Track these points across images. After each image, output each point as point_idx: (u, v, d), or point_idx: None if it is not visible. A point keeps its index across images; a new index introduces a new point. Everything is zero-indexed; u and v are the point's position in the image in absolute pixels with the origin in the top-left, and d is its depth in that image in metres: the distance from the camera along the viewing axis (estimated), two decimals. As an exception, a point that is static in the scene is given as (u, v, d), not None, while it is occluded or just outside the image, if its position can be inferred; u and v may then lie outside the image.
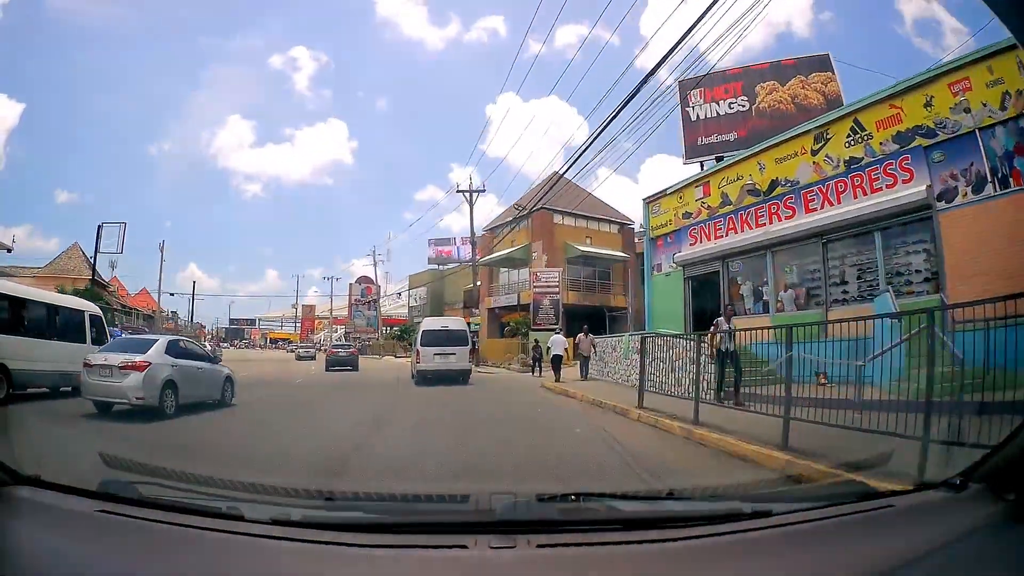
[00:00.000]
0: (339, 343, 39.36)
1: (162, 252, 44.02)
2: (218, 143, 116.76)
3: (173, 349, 9.97)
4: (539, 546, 1.37)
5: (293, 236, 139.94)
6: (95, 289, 31.60)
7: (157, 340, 10.25)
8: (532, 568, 1.35)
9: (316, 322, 73.66)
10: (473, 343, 23.05)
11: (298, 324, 73.31)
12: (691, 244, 17.41)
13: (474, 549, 1.35)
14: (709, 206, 16.88)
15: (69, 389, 11.78)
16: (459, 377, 16.88)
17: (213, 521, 1.49)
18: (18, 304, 11.88)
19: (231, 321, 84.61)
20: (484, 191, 29.85)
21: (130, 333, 22.11)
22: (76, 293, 25.23)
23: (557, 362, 17.28)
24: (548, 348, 18.42)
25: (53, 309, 12.94)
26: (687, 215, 17.76)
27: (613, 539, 1.44)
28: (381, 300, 57.13)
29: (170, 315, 66.80)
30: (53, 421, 8.72)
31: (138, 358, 9.02)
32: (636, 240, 35.50)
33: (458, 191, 30.53)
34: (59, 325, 12.76)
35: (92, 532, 1.45)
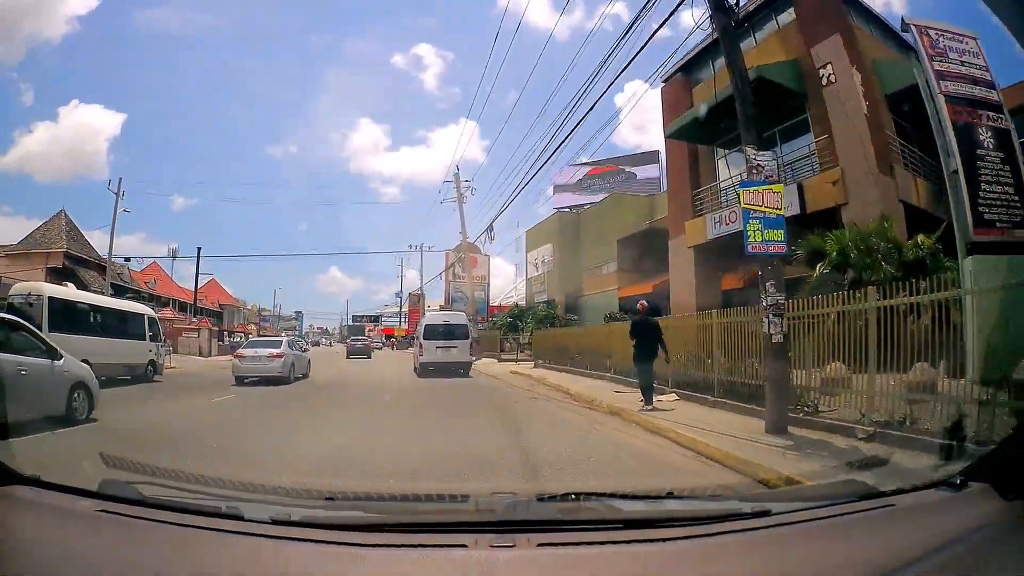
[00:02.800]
0: (356, 337, 45.39)
1: (118, 195, 26.90)
2: (351, 146, 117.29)
3: (290, 345, 16.95)
4: (539, 545, 1.37)
5: (428, 238, 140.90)
6: (72, 267, 26.99)
7: (283, 340, 17.93)
8: (532, 567, 1.35)
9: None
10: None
11: (404, 317, 60.78)
12: None
13: (474, 548, 1.34)
14: None
15: (128, 378, 14.82)
16: (459, 369, 17.71)
17: (213, 521, 1.49)
18: (97, 311, 14.98)
19: (353, 318, 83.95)
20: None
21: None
22: (50, 270, 24.88)
23: None
24: None
25: (121, 314, 16.19)
26: None
27: (613, 538, 1.43)
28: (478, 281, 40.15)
29: (294, 315, 65.06)
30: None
31: (276, 351, 15.50)
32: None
33: None
34: (126, 327, 15.78)
35: (92, 532, 1.45)
